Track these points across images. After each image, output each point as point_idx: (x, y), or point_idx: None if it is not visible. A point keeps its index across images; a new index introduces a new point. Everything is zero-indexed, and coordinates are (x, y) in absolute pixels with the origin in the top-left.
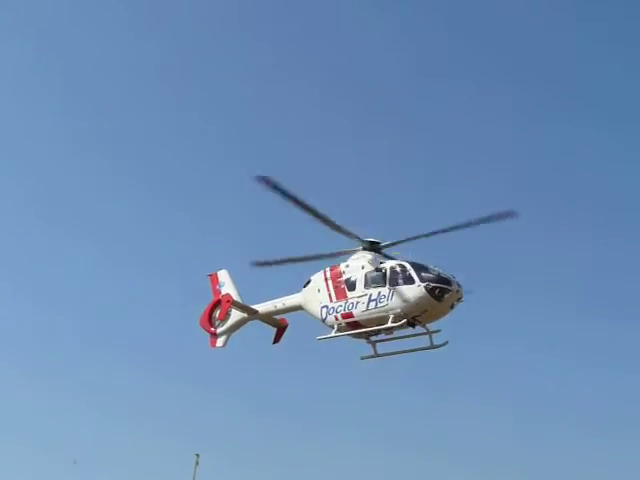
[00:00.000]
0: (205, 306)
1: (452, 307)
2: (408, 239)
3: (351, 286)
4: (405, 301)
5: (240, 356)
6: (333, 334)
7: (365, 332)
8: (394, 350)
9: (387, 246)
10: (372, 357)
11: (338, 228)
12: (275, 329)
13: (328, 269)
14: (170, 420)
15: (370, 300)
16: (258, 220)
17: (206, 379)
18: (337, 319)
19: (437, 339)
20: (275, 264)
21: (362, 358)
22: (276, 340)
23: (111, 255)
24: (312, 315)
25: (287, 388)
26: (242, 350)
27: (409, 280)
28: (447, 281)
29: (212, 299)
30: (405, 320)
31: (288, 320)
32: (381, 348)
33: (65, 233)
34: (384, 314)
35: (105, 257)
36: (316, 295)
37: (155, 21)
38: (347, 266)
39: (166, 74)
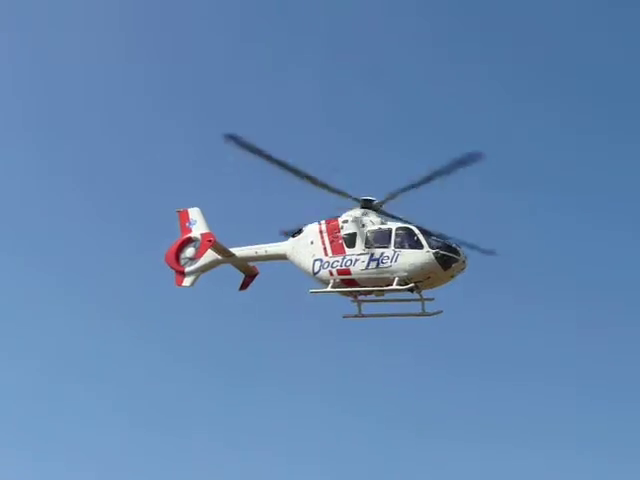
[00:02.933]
0: (171, 243)
1: (453, 277)
2: (398, 191)
3: (350, 242)
4: (411, 265)
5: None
6: (329, 289)
7: (359, 291)
8: (381, 312)
9: (381, 203)
10: (356, 317)
11: (328, 188)
12: (244, 275)
13: (324, 222)
14: None
15: (371, 259)
16: None
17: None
18: (332, 274)
19: (429, 307)
20: (252, 151)
21: (344, 316)
22: (243, 287)
23: None
24: (299, 266)
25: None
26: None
27: (417, 245)
28: (456, 251)
29: (180, 236)
30: (413, 284)
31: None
32: (366, 309)
33: None
34: (386, 275)
35: None
36: (308, 247)
37: None
38: (345, 221)
39: None
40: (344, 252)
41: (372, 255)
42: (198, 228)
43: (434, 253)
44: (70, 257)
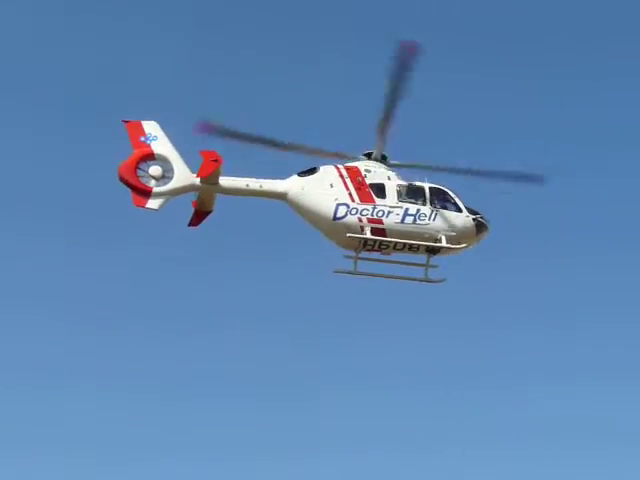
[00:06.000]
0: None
1: (472, 246)
2: (419, 166)
3: (379, 192)
4: (451, 227)
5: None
6: (369, 235)
7: (392, 243)
8: (377, 272)
9: (395, 165)
10: (349, 273)
11: (329, 154)
12: (195, 209)
13: (342, 166)
14: None
15: (407, 214)
16: None
17: None
18: (361, 221)
19: (432, 274)
20: (229, 135)
21: (336, 271)
22: (195, 223)
23: None
24: (309, 209)
25: None
26: None
27: (455, 207)
28: (487, 220)
29: (132, 151)
30: (465, 245)
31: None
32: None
33: None
34: (427, 232)
35: None
36: (327, 189)
37: None
38: (367, 170)
39: None
40: (374, 201)
41: (407, 210)
42: (161, 144)
43: (473, 219)
44: None
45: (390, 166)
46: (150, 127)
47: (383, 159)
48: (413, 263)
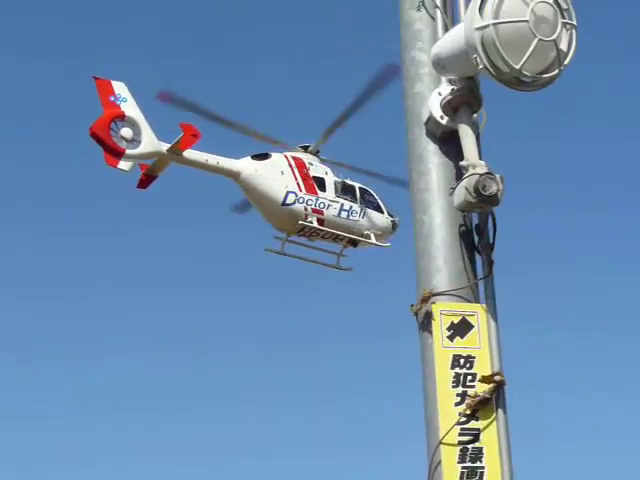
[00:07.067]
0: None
1: None
2: (342, 165)
3: (320, 186)
4: (375, 225)
5: None
6: (315, 224)
7: (324, 232)
8: (300, 255)
9: (317, 149)
10: (277, 253)
11: (264, 138)
12: (144, 173)
13: (290, 155)
14: None
15: (342, 209)
16: None
17: None
18: (306, 210)
19: (343, 262)
20: (187, 107)
21: (266, 250)
22: (145, 185)
23: None
24: (258, 191)
25: None
26: None
27: (378, 208)
28: (398, 223)
29: (102, 109)
30: (389, 244)
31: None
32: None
33: None
34: (354, 227)
35: None
36: (278, 175)
37: None
38: (310, 163)
39: None
40: (316, 193)
41: (342, 205)
42: (130, 107)
43: (391, 220)
44: None
45: (316, 154)
46: (119, 88)
47: (316, 153)
48: (326, 250)
